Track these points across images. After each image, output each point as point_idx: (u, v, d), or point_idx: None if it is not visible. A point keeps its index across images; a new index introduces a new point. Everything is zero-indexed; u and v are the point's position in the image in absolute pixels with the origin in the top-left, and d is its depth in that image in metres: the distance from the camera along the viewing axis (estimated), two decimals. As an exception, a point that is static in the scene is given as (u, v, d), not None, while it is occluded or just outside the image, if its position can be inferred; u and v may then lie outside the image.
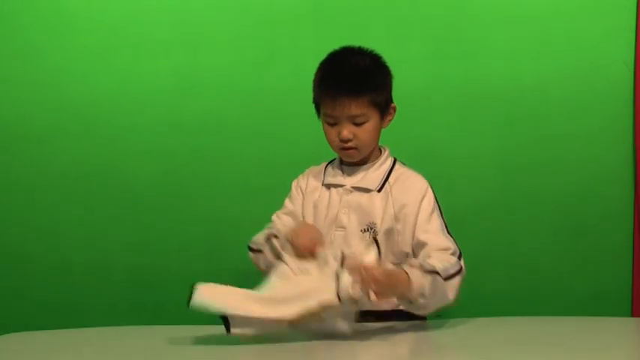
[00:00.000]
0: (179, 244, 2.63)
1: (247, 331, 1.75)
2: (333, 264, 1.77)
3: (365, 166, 2.03)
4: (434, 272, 1.81)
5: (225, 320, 1.76)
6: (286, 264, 1.85)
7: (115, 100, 2.63)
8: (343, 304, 1.71)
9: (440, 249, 1.91)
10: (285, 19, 2.59)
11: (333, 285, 1.73)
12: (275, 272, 1.84)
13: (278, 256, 1.93)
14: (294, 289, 1.77)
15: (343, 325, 1.75)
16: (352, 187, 2.01)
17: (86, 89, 2.63)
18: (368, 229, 1.97)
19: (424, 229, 1.95)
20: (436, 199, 2.00)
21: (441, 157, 2.57)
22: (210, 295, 1.77)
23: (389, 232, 1.96)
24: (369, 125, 1.96)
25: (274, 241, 1.95)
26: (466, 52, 2.57)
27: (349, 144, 1.96)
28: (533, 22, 2.56)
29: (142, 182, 2.64)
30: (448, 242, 1.93)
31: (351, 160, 2.02)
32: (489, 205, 2.58)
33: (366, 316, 1.86)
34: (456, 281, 1.87)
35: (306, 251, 1.84)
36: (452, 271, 1.86)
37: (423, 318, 1.96)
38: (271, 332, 1.75)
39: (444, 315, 1.94)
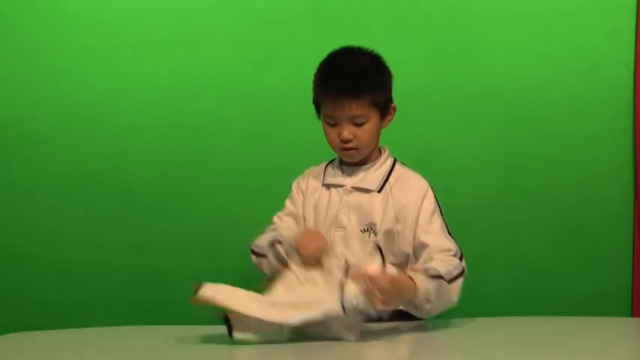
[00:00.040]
0: (179, 244, 2.63)
1: (249, 336, 1.75)
2: (338, 274, 1.77)
3: (365, 167, 2.03)
4: (438, 276, 1.83)
5: (227, 323, 1.76)
6: (292, 272, 1.85)
7: (115, 100, 2.63)
8: (348, 314, 1.72)
9: (441, 250, 1.91)
10: (285, 19, 2.59)
11: (337, 295, 1.73)
12: (281, 280, 1.84)
13: (282, 262, 1.94)
14: (299, 298, 1.78)
15: (348, 336, 1.75)
16: (352, 188, 2.01)
17: (86, 89, 2.63)
18: (368, 229, 1.97)
19: (425, 230, 1.95)
20: (436, 199, 2.00)
21: (441, 157, 2.57)
22: (215, 292, 1.77)
23: (389, 233, 1.96)
24: (370, 126, 1.96)
25: (278, 247, 1.96)
26: (466, 52, 2.57)
27: (349, 144, 1.97)
28: (533, 22, 2.56)
29: (142, 182, 2.64)
30: (449, 243, 1.93)
31: (351, 160, 2.02)
32: (489, 205, 2.58)
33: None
34: (459, 283, 1.88)
35: (313, 260, 1.84)
36: (455, 273, 1.87)
37: (422, 318, 1.96)
38: (272, 338, 1.75)
39: (444, 315, 1.94)
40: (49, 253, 2.65)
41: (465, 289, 1.91)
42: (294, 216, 2.07)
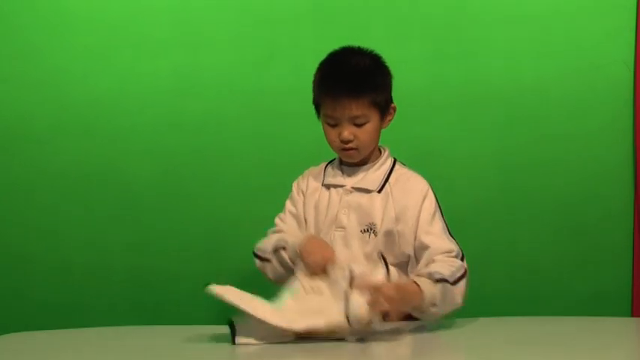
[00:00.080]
0: (179, 244, 2.63)
1: (252, 340, 1.76)
2: (343, 284, 1.78)
3: (365, 167, 2.03)
4: (443, 280, 1.83)
5: (231, 328, 1.76)
6: (299, 281, 1.86)
7: (115, 100, 2.63)
8: (352, 326, 1.72)
9: (443, 252, 1.91)
10: (285, 19, 2.59)
11: (342, 307, 1.74)
12: (287, 289, 1.84)
13: (287, 268, 1.95)
14: (304, 308, 1.78)
15: (350, 337, 1.76)
16: (352, 188, 2.01)
17: (86, 89, 2.63)
18: (368, 230, 1.97)
19: (426, 232, 1.94)
20: (437, 200, 2.00)
21: (441, 157, 2.57)
22: (225, 290, 1.77)
23: (389, 234, 1.96)
24: (370, 126, 1.96)
25: (283, 253, 1.96)
26: (466, 52, 2.57)
27: (350, 145, 1.96)
28: (533, 22, 2.56)
29: (142, 182, 2.64)
30: (451, 244, 1.94)
31: (351, 160, 2.01)
32: (489, 205, 2.58)
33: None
34: (463, 284, 1.88)
35: (318, 269, 1.84)
36: (458, 275, 1.87)
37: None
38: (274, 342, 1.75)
39: (443, 315, 1.94)
40: (49, 253, 2.65)
41: (464, 289, 1.91)
42: (295, 217, 2.07)
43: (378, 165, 2.03)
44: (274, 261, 1.98)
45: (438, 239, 1.94)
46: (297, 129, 2.57)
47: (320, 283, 1.83)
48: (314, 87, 2.01)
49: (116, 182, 2.64)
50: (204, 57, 2.61)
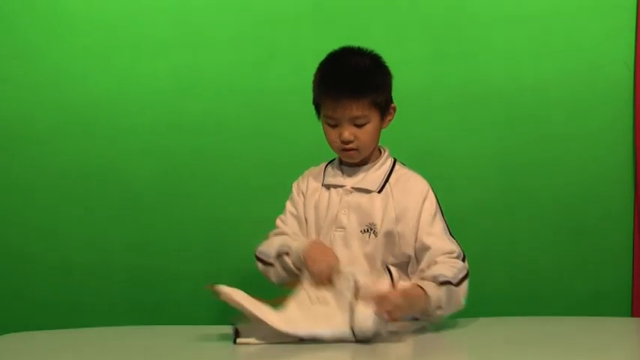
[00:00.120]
0: (179, 244, 2.63)
1: (253, 340, 1.76)
2: (348, 295, 1.78)
3: (365, 167, 2.03)
4: (447, 282, 1.84)
5: (234, 330, 1.77)
6: (305, 290, 1.86)
7: (114, 101, 2.63)
8: (357, 338, 1.73)
9: (444, 253, 1.91)
10: (285, 19, 2.59)
11: (347, 318, 1.75)
12: (293, 298, 1.85)
13: (290, 273, 1.95)
14: (309, 317, 1.79)
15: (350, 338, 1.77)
16: (352, 188, 2.01)
17: (86, 89, 2.63)
18: (368, 230, 1.97)
19: (428, 232, 1.94)
20: (437, 200, 2.00)
21: (441, 157, 2.57)
22: (233, 291, 1.77)
23: (389, 234, 1.96)
24: (370, 126, 1.96)
25: (286, 258, 1.95)
26: (466, 52, 2.57)
27: (350, 145, 1.96)
28: (533, 22, 2.56)
29: (142, 182, 2.64)
30: (452, 245, 1.94)
31: (351, 160, 2.01)
32: (489, 206, 2.58)
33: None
34: (465, 285, 1.90)
35: (324, 278, 1.84)
36: (460, 276, 1.88)
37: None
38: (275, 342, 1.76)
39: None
40: (49, 253, 2.65)
41: (465, 289, 1.91)
42: (296, 218, 2.06)
43: (378, 165, 2.03)
44: (277, 266, 1.98)
45: (439, 240, 1.94)
46: (297, 129, 2.57)
47: (326, 294, 1.84)
48: (314, 87, 2.01)
49: (116, 182, 2.64)
50: (204, 57, 2.61)
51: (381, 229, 1.96)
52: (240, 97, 2.61)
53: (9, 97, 2.64)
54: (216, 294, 1.77)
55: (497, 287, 2.55)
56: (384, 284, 1.87)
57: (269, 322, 1.73)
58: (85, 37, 2.62)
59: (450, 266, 1.88)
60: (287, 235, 2.03)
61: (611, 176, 2.56)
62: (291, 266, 1.95)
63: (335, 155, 2.07)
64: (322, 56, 2.02)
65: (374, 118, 1.96)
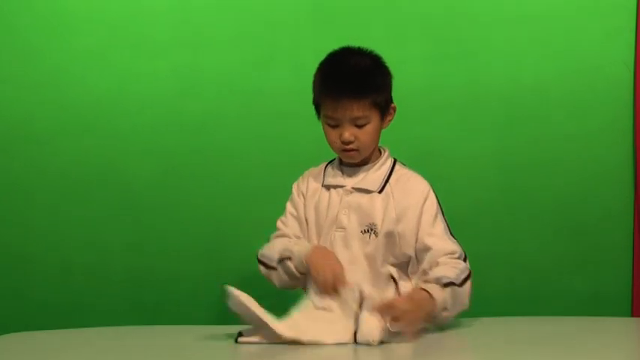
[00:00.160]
0: (179, 244, 2.63)
1: (253, 339, 1.76)
2: (353, 307, 1.80)
3: (365, 167, 2.02)
4: (451, 284, 1.84)
5: (239, 333, 1.78)
6: (310, 300, 1.88)
7: (114, 101, 2.63)
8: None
9: (446, 254, 1.91)
10: (285, 20, 2.59)
11: (351, 325, 1.75)
12: (298, 307, 1.86)
13: (293, 277, 1.96)
14: (313, 324, 1.79)
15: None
16: (353, 188, 2.01)
17: (86, 90, 2.63)
18: (368, 230, 1.96)
19: (429, 233, 1.94)
20: (438, 200, 2.00)
21: (441, 157, 2.57)
22: (241, 294, 1.77)
23: (390, 235, 1.95)
24: (371, 127, 1.96)
25: (289, 263, 1.95)
26: (466, 52, 2.57)
27: (350, 146, 1.96)
28: (533, 22, 2.56)
29: (142, 182, 2.64)
30: (454, 246, 1.94)
31: (352, 161, 2.01)
32: (489, 206, 2.58)
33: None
34: (469, 285, 1.90)
35: (329, 288, 1.85)
36: (463, 277, 1.88)
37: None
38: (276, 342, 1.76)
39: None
40: (49, 253, 2.65)
41: (465, 289, 1.91)
42: (296, 219, 2.06)
43: (378, 165, 2.03)
44: (280, 270, 1.98)
45: (440, 241, 1.94)
46: (297, 129, 2.56)
47: (331, 303, 1.85)
48: (314, 87, 2.01)
49: (116, 182, 2.64)
50: (204, 57, 2.61)
51: (381, 229, 1.96)
52: (240, 97, 2.61)
53: (9, 97, 2.64)
54: (228, 295, 1.77)
55: (498, 287, 2.55)
56: (389, 292, 1.88)
57: (273, 328, 1.74)
58: (85, 37, 2.62)
59: (453, 267, 1.88)
60: (288, 238, 2.03)
61: (611, 176, 2.56)
62: (294, 271, 1.95)
63: (335, 155, 2.07)
64: (322, 56, 2.02)
65: (374, 118, 1.96)
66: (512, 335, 1.87)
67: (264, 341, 1.76)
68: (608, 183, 2.56)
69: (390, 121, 2.02)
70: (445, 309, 1.84)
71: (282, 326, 1.75)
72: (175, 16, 2.62)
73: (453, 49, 2.57)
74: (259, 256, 2.04)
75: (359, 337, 1.74)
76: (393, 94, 2.02)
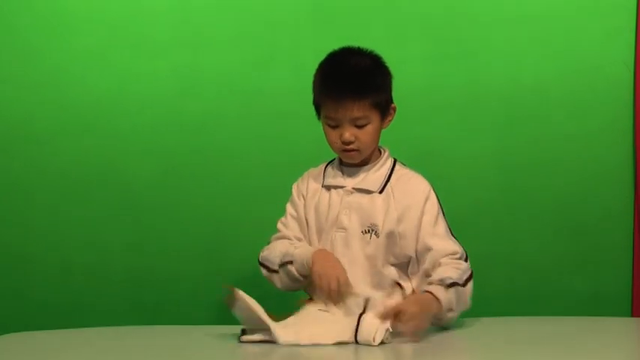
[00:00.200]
0: (179, 244, 2.63)
1: (256, 337, 1.76)
2: (356, 311, 1.81)
3: (365, 167, 2.02)
4: (454, 284, 1.85)
5: (242, 330, 1.78)
6: (313, 304, 1.89)
7: (114, 101, 2.63)
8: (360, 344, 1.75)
9: (448, 254, 1.92)
10: (285, 20, 2.59)
11: (352, 326, 1.76)
12: (299, 312, 1.88)
13: (295, 281, 1.96)
14: (314, 325, 1.80)
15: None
16: (353, 189, 2.00)
17: (86, 90, 2.63)
18: (369, 231, 1.96)
19: (430, 233, 1.94)
20: (439, 200, 2.00)
21: (441, 157, 2.57)
22: (249, 300, 1.77)
23: (391, 235, 1.95)
24: (371, 127, 1.96)
25: (290, 267, 1.95)
26: (466, 52, 2.57)
27: (351, 146, 1.96)
28: (533, 22, 2.56)
29: (142, 182, 2.64)
30: (455, 246, 1.94)
31: (352, 161, 2.01)
32: (489, 206, 2.58)
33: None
34: (471, 285, 1.91)
35: (334, 295, 1.86)
36: (465, 277, 1.89)
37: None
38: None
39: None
40: (49, 253, 2.64)
41: (465, 289, 1.91)
42: (296, 220, 2.05)
43: (378, 165, 2.02)
44: (282, 274, 1.98)
45: (442, 241, 1.94)
46: (297, 129, 2.56)
47: (333, 309, 1.86)
48: (314, 88, 2.01)
49: (116, 182, 2.63)
50: (204, 57, 2.61)
51: (383, 229, 1.95)
52: (240, 97, 2.61)
53: (9, 97, 2.64)
54: (232, 297, 1.77)
55: (498, 287, 2.55)
56: (393, 296, 1.88)
57: (274, 333, 1.73)
58: (85, 37, 2.62)
59: (455, 268, 1.89)
60: (289, 241, 2.02)
61: (611, 176, 2.56)
62: (296, 274, 1.95)
63: (335, 155, 2.07)
64: (322, 56, 2.02)
65: (374, 118, 1.96)
66: (512, 335, 1.87)
67: (266, 339, 1.76)
68: (608, 183, 2.56)
69: (390, 121, 2.02)
70: (450, 309, 1.85)
71: (282, 332, 1.75)
72: (175, 16, 2.62)
73: (453, 49, 2.57)
74: (261, 259, 2.04)
75: (359, 337, 1.74)
76: (393, 94, 2.02)
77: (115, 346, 1.84)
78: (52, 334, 1.98)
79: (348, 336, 1.76)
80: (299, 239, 2.03)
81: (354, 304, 1.83)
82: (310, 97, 2.01)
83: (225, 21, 2.61)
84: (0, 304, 2.65)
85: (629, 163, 2.55)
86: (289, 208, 2.08)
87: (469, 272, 1.91)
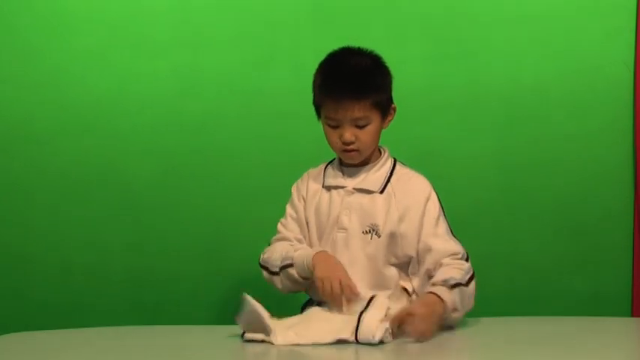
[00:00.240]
0: (179, 244, 2.63)
1: (259, 336, 1.76)
2: (358, 310, 1.80)
3: (365, 168, 2.02)
4: (458, 284, 1.85)
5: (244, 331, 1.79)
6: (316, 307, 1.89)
7: (114, 101, 2.63)
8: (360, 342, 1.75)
9: (449, 254, 1.92)
10: (285, 20, 2.59)
11: (352, 324, 1.76)
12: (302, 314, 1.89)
13: (296, 283, 1.96)
14: (314, 324, 1.80)
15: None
16: (354, 189, 2.00)
17: (86, 90, 2.63)
18: (370, 231, 1.96)
19: (432, 234, 1.94)
20: (439, 200, 2.00)
21: (441, 157, 2.57)
22: (257, 305, 1.78)
23: (392, 235, 1.95)
24: (371, 127, 1.95)
25: (290, 270, 1.95)
26: (466, 52, 2.57)
27: (351, 146, 1.95)
28: (533, 22, 2.56)
29: (142, 182, 2.64)
30: (456, 246, 1.94)
31: (352, 161, 2.00)
32: (489, 206, 2.58)
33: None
34: (473, 285, 1.91)
35: (339, 300, 1.85)
36: (468, 277, 1.89)
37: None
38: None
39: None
40: (49, 253, 2.65)
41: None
42: (297, 221, 2.05)
43: (378, 166, 2.02)
44: (282, 276, 1.98)
45: (443, 241, 1.94)
46: (297, 129, 2.56)
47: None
48: (314, 88, 2.00)
49: (116, 182, 2.63)
50: (204, 57, 2.61)
51: (384, 229, 1.95)
52: (240, 97, 2.61)
53: (9, 97, 2.64)
54: (244, 303, 1.78)
55: (498, 287, 2.55)
56: (401, 304, 1.89)
57: (273, 335, 1.74)
58: (85, 37, 2.62)
59: (457, 268, 1.89)
60: (289, 243, 2.02)
61: (611, 176, 2.56)
62: (297, 277, 1.95)
63: (334, 155, 2.07)
64: (322, 56, 2.02)
65: (375, 118, 1.95)
66: (512, 335, 1.87)
67: (268, 339, 1.76)
68: (608, 183, 2.56)
69: (390, 121, 2.02)
70: (455, 310, 1.85)
71: (281, 336, 1.75)
72: (175, 16, 2.62)
73: (453, 49, 2.57)
74: (261, 262, 2.03)
75: (360, 336, 1.74)
76: (393, 94, 2.02)
77: (115, 346, 1.84)
78: (52, 334, 1.98)
79: (349, 333, 1.75)
80: (299, 240, 2.02)
81: (359, 306, 1.83)
82: (310, 97, 2.01)
83: (225, 21, 2.61)
84: (0, 304, 2.65)
85: (629, 163, 2.56)
86: (289, 209, 2.08)
87: (471, 272, 1.91)
